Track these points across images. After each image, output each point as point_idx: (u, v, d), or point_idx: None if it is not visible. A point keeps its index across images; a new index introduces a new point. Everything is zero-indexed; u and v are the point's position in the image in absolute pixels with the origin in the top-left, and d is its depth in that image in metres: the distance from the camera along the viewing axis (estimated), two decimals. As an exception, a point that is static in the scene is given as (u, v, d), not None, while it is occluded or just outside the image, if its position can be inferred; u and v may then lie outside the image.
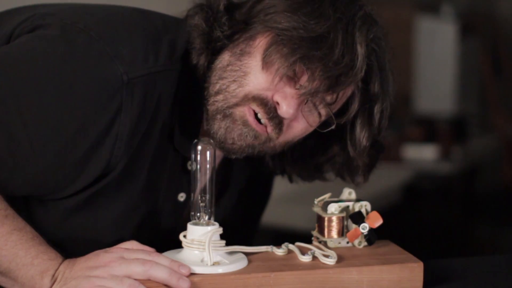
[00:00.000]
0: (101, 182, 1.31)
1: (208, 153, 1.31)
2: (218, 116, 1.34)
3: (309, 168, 1.55)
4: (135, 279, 1.21)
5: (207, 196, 1.30)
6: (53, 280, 1.22)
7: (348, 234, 1.37)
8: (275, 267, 1.28)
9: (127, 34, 1.30)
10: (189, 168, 1.41)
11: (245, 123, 1.34)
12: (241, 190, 1.56)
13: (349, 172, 1.49)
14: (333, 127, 1.37)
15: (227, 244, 1.29)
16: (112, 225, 1.36)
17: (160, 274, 1.21)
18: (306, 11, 1.31)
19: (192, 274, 1.24)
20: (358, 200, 1.41)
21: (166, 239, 1.41)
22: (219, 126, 1.35)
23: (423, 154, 3.78)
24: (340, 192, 1.46)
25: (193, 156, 1.32)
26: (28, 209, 1.33)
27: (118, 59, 1.27)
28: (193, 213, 1.30)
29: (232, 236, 1.32)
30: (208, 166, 1.31)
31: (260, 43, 1.32)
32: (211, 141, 1.33)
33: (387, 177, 3.42)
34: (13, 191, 1.28)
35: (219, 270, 1.25)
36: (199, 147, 1.31)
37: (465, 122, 4.16)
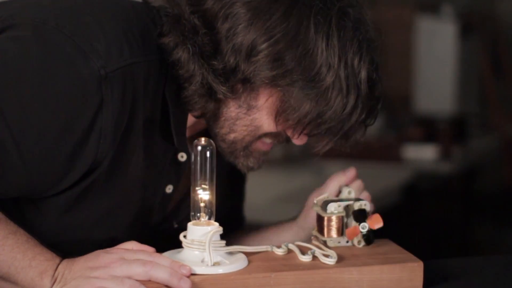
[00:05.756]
0: (89, 178, 1.30)
1: (208, 153, 1.31)
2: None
3: None
4: (136, 280, 1.21)
5: (207, 196, 1.30)
6: (53, 281, 1.22)
7: (347, 230, 1.37)
8: (275, 267, 1.28)
9: (99, 28, 1.29)
10: (181, 159, 1.41)
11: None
12: (224, 178, 1.54)
13: None
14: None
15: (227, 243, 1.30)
16: (103, 221, 1.36)
17: (161, 274, 1.21)
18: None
19: (193, 274, 1.24)
20: (357, 199, 1.41)
21: (155, 232, 1.41)
22: None
23: (423, 154, 3.77)
24: (340, 192, 1.46)
25: (193, 156, 1.31)
26: (19, 211, 1.32)
27: (93, 55, 1.26)
28: (193, 213, 1.31)
29: (223, 225, 1.31)
30: (208, 166, 1.31)
31: (266, 102, 1.34)
32: (211, 141, 1.32)
33: (387, 177, 3.42)
34: (3, 194, 1.27)
35: (220, 270, 1.25)
36: (199, 148, 1.31)
37: (465, 122, 4.15)
